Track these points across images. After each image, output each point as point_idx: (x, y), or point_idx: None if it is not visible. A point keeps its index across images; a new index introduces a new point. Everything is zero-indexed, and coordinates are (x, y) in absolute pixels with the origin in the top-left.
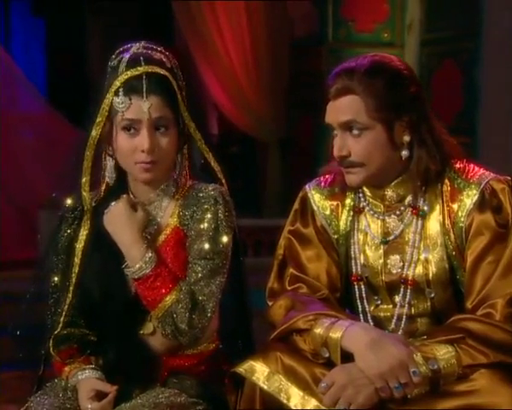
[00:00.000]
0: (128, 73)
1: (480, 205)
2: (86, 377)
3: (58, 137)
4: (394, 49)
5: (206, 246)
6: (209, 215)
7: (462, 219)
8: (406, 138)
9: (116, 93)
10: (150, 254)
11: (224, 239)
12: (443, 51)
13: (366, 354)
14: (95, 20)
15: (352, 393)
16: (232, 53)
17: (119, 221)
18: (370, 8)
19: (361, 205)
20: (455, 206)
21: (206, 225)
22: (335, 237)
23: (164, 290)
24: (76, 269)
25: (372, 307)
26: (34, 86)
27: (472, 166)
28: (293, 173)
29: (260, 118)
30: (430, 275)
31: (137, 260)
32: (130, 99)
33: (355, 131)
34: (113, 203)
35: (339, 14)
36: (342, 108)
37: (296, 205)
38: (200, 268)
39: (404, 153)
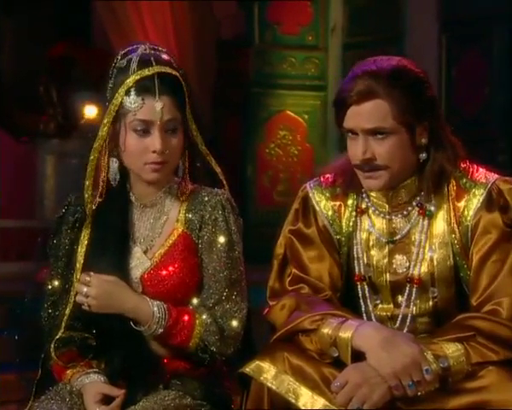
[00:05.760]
0: (140, 72)
1: (488, 204)
2: (92, 381)
3: None
4: (318, 51)
5: (223, 260)
6: (220, 225)
7: (469, 218)
8: (424, 141)
9: (127, 93)
10: (157, 303)
11: (238, 248)
12: (365, 55)
13: (379, 352)
14: (7, 18)
15: (367, 392)
16: None
17: (112, 297)
18: (295, 12)
19: (364, 206)
20: (461, 205)
21: (219, 239)
22: (337, 237)
23: (187, 331)
24: (78, 273)
25: (373, 307)
26: None
27: (476, 166)
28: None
29: None
30: (435, 273)
31: (150, 316)
32: (143, 99)
33: (379, 136)
34: (84, 289)
35: (264, 17)
36: (368, 115)
37: (296, 204)
38: (218, 285)
39: (423, 155)
